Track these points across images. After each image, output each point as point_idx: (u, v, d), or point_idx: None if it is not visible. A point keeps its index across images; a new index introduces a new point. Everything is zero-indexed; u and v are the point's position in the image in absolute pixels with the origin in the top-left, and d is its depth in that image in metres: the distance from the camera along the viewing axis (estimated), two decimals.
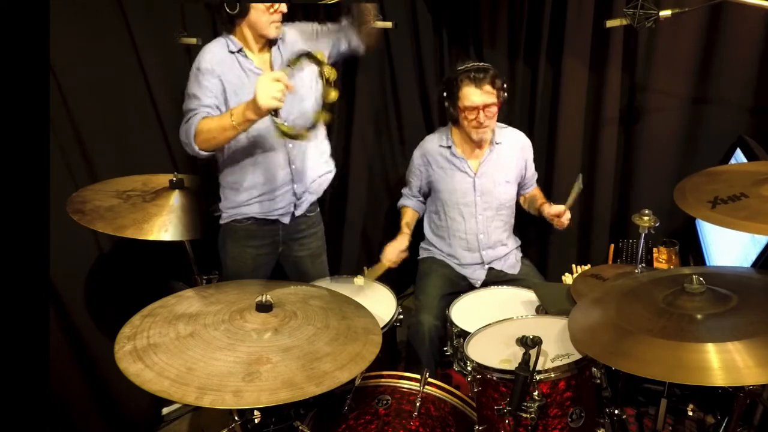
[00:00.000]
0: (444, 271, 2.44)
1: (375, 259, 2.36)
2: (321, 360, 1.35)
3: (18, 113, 1.03)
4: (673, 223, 2.46)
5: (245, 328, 1.42)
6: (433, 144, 2.44)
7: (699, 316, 1.26)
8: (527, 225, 2.70)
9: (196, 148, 1.84)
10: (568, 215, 2.23)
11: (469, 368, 1.61)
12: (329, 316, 1.55)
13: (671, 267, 2.33)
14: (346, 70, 2.66)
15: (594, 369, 1.56)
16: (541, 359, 1.46)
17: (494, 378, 1.55)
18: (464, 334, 1.86)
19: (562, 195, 2.38)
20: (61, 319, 2.05)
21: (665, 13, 1.85)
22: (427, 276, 2.43)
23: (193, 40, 2.20)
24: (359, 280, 2.25)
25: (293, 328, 1.45)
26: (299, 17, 2.22)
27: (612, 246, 2.63)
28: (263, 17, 1.91)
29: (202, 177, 2.12)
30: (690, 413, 1.99)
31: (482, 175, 2.37)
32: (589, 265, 2.60)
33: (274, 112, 1.66)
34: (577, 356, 1.52)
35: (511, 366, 1.47)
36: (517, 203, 2.53)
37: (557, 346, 1.60)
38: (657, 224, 1.73)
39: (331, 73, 1.69)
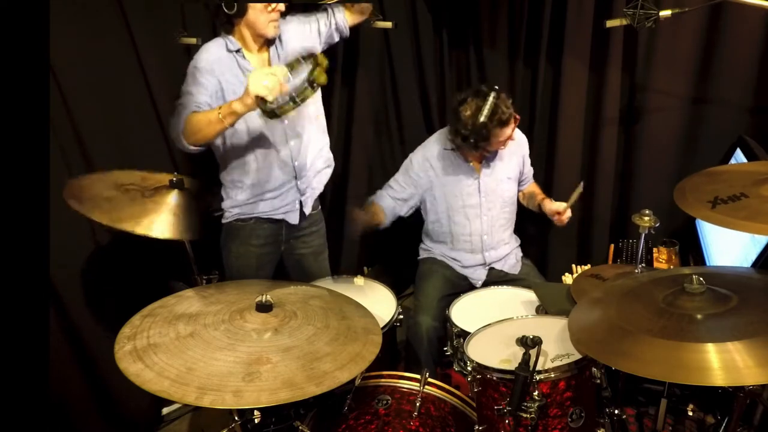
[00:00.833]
0: (444, 272, 2.44)
1: (375, 259, 2.36)
2: (321, 360, 1.35)
3: (18, 113, 1.03)
4: (673, 223, 2.46)
5: (245, 328, 1.42)
6: (436, 148, 2.40)
7: (699, 316, 1.26)
8: (527, 224, 2.71)
9: (185, 141, 1.84)
10: (569, 213, 2.24)
11: (469, 368, 1.61)
12: (329, 316, 1.55)
13: (671, 267, 2.34)
14: (347, 70, 2.66)
15: (594, 369, 1.56)
16: (541, 359, 1.46)
17: (494, 378, 1.55)
18: (464, 334, 1.86)
19: (562, 195, 2.38)
20: (61, 319, 2.05)
21: (665, 13, 1.85)
22: (426, 277, 2.42)
23: (193, 40, 2.20)
24: (359, 280, 2.25)
25: (293, 328, 1.45)
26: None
27: (612, 246, 2.63)
28: (261, 17, 1.90)
29: (204, 178, 2.12)
30: (690, 413, 1.99)
31: (485, 176, 2.37)
32: (589, 265, 2.61)
33: (263, 102, 1.64)
34: (577, 356, 1.52)
35: (511, 366, 1.47)
36: (517, 201, 2.53)
37: (557, 346, 1.60)
38: (657, 224, 1.73)
39: (323, 61, 1.68)
